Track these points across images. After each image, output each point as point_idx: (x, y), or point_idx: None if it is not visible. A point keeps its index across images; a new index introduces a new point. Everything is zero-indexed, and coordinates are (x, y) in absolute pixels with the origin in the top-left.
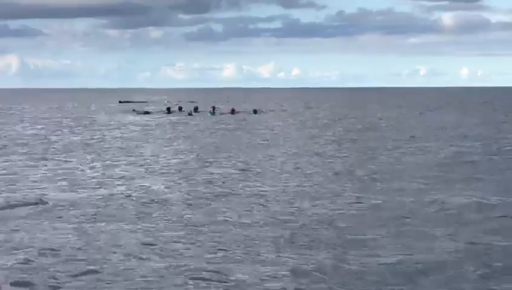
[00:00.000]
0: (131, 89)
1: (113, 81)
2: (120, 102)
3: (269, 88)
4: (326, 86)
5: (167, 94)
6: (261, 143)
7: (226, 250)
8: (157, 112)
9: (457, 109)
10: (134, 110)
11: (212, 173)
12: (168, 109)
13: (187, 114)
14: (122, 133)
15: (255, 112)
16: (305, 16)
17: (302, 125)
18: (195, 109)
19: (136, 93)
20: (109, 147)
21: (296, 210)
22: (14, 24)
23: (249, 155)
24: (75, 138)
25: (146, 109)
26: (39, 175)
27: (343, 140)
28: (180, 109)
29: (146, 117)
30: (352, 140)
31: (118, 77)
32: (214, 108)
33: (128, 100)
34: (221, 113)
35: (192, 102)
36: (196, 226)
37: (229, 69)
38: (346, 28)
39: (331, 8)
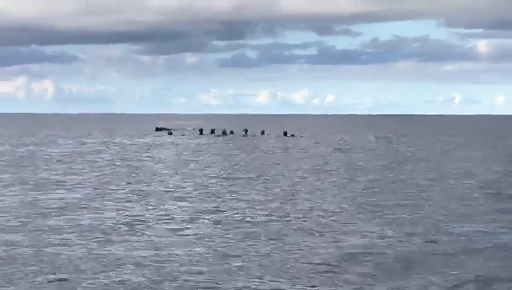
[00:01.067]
0: (166, 115)
1: (147, 107)
2: (157, 129)
3: (303, 114)
4: (360, 113)
5: (201, 120)
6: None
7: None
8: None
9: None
10: (170, 133)
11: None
12: (201, 130)
13: (220, 134)
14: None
15: (285, 134)
16: (340, 42)
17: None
18: (224, 132)
19: (171, 119)
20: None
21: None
22: (50, 50)
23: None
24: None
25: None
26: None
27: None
28: (212, 131)
29: (182, 138)
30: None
31: (152, 102)
32: (246, 130)
33: (165, 127)
34: (253, 135)
35: (224, 131)
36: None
37: (262, 96)
38: (380, 55)
39: (366, 35)
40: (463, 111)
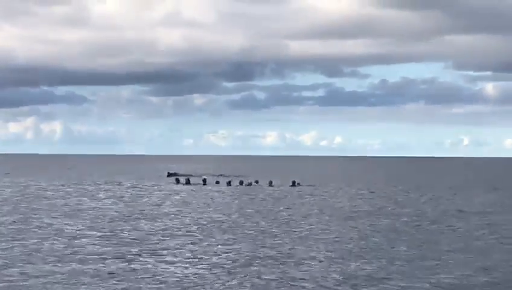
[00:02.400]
0: (174, 156)
1: (156, 148)
2: (169, 174)
3: (311, 156)
4: (369, 155)
5: (210, 161)
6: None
7: None
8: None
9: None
10: (178, 180)
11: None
12: (204, 180)
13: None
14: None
15: (293, 183)
16: (348, 84)
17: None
18: (229, 183)
19: (180, 160)
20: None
21: None
22: (60, 90)
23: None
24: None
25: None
26: None
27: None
28: (217, 182)
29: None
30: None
31: (161, 143)
32: (257, 181)
33: (176, 172)
34: (256, 182)
35: (237, 177)
36: None
37: (271, 137)
38: (389, 97)
39: (374, 77)
40: (471, 153)
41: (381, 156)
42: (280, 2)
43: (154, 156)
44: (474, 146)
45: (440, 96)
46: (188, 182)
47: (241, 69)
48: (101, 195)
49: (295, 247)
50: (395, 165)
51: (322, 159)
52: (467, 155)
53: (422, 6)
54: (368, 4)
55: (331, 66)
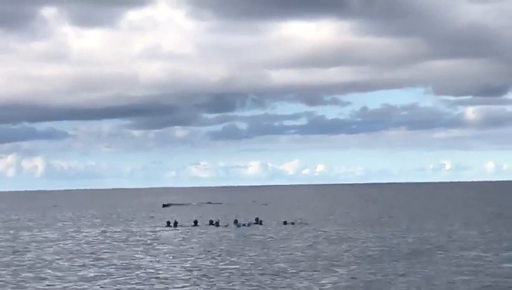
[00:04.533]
0: (157, 189)
1: (138, 181)
2: (164, 205)
3: (293, 185)
4: (351, 182)
5: (192, 193)
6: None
7: None
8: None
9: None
10: (168, 222)
11: None
12: (195, 221)
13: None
14: None
15: (284, 223)
16: (329, 112)
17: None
18: (217, 223)
19: (162, 193)
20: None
21: None
22: (41, 126)
23: None
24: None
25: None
26: None
27: None
28: (211, 222)
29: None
30: None
31: (143, 176)
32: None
33: (171, 203)
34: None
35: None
36: None
37: (253, 167)
38: (370, 123)
39: (355, 104)
40: (454, 178)
41: (364, 183)
42: (259, 32)
43: (136, 189)
44: (456, 170)
45: (421, 122)
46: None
47: (221, 100)
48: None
49: None
50: (375, 193)
51: (304, 188)
52: (449, 180)
53: (401, 34)
54: (346, 32)
55: (311, 94)
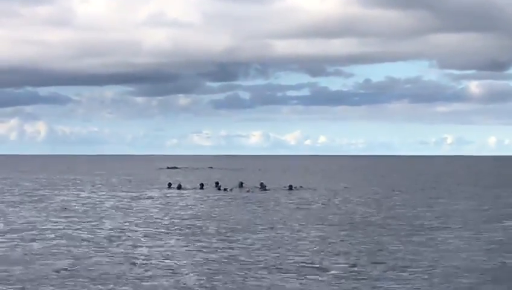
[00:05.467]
0: (158, 156)
1: (140, 148)
2: (168, 167)
3: (295, 155)
4: (353, 154)
5: (194, 160)
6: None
7: None
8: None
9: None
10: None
11: None
12: (202, 185)
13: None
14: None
15: (290, 187)
16: (333, 84)
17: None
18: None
19: (163, 160)
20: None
21: None
22: (44, 91)
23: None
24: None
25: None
26: None
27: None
28: (217, 184)
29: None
30: None
31: (145, 143)
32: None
33: (175, 166)
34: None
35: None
36: None
37: (255, 137)
38: (373, 96)
39: (358, 76)
40: (455, 152)
41: (365, 154)
42: (264, 2)
43: (138, 155)
44: (458, 144)
45: (424, 95)
46: (179, 187)
47: (225, 69)
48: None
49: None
50: (376, 165)
51: (306, 159)
52: (450, 153)
53: (406, 6)
54: (352, 4)
55: (315, 65)
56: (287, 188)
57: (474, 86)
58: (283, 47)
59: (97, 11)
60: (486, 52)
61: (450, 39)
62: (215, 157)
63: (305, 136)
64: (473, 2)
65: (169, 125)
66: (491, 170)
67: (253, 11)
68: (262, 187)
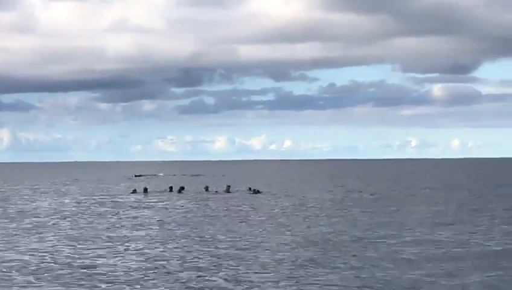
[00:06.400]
0: (123, 162)
1: (104, 155)
2: (136, 175)
3: (260, 160)
4: (318, 158)
5: (160, 167)
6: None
7: None
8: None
9: None
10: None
11: None
12: (171, 187)
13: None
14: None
15: (254, 191)
16: (297, 88)
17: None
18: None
19: (129, 166)
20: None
21: None
22: (7, 98)
23: None
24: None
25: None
26: None
27: None
28: (182, 188)
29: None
30: None
31: (109, 150)
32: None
33: (141, 174)
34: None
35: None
36: None
37: (220, 142)
38: (337, 100)
39: (323, 81)
40: (419, 155)
41: (330, 158)
42: (228, 7)
43: (102, 162)
44: (422, 147)
45: (388, 99)
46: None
47: (190, 75)
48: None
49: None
50: (341, 169)
51: (271, 163)
52: (414, 156)
53: (369, 10)
54: (315, 8)
55: (279, 70)
56: (251, 191)
57: (437, 89)
58: (247, 52)
59: (60, 17)
60: (449, 55)
61: (413, 43)
62: (180, 163)
63: (270, 141)
64: (435, 6)
65: (134, 131)
66: (450, 173)
67: (217, 16)
68: (227, 190)
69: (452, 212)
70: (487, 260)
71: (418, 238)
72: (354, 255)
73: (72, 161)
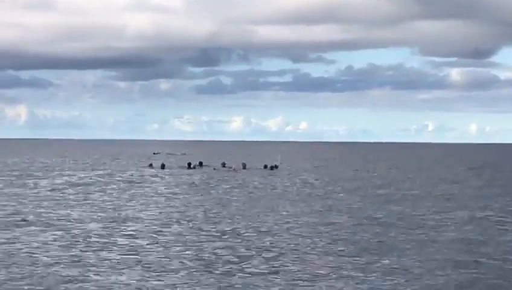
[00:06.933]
0: (139, 141)
1: (121, 133)
2: (154, 153)
3: (276, 141)
4: (334, 140)
5: (175, 146)
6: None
7: None
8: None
9: None
10: (151, 164)
11: None
12: (189, 164)
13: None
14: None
15: (271, 167)
16: (315, 70)
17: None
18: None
19: (144, 145)
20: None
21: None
22: (25, 75)
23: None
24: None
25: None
26: None
27: None
28: (201, 164)
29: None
30: None
31: (126, 128)
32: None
33: (160, 152)
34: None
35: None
36: None
37: (237, 122)
38: (355, 82)
39: (340, 63)
40: (436, 139)
41: (346, 141)
42: None
43: (119, 140)
44: (439, 132)
45: (406, 82)
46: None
47: (207, 55)
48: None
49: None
50: (354, 151)
51: (287, 145)
52: (431, 141)
53: None
54: None
55: (297, 51)
56: (268, 168)
57: (455, 74)
58: (265, 33)
59: None
60: (468, 40)
61: (432, 26)
62: (196, 143)
63: (286, 122)
64: None
65: (151, 110)
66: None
67: None
68: (243, 167)
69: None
70: None
71: None
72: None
73: (89, 138)
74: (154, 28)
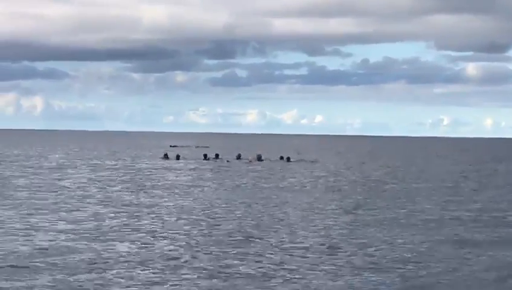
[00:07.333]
0: (154, 133)
1: (136, 125)
2: (171, 146)
3: (291, 135)
4: (349, 134)
5: (191, 138)
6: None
7: None
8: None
9: None
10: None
11: None
12: (205, 155)
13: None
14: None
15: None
16: (330, 63)
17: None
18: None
19: (160, 137)
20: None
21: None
22: (41, 66)
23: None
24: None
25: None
26: None
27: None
28: (217, 156)
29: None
30: None
31: (141, 120)
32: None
33: (176, 145)
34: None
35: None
36: None
37: (252, 115)
38: (370, 76)
39: (356, 56)
40: (451, 133)
41: (361, 135)
42: None
43: (134, 132)
44: (454, 126)
45: (421, 76)
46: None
47: (223, 47)
48: None
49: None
50: (370, 145)
51: (303, 138)
52: (446, 135)
53: None
54: None
55: (313, 44)
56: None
57: (471, 68)
58: (281, 25)
59: None
60: (484, 34)
61: (448, 20)
62: (211, 135)
63: (301, 115)
64: None
65: (166, 102)
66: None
67: None
68: (259, 158)
69: None
70: None
71: None
72: None
73: (104, 130)
74: (170, 20)
